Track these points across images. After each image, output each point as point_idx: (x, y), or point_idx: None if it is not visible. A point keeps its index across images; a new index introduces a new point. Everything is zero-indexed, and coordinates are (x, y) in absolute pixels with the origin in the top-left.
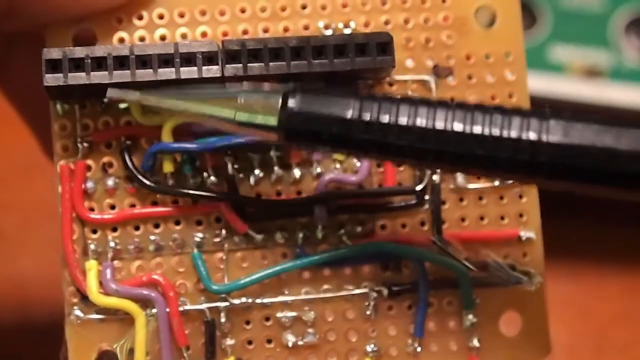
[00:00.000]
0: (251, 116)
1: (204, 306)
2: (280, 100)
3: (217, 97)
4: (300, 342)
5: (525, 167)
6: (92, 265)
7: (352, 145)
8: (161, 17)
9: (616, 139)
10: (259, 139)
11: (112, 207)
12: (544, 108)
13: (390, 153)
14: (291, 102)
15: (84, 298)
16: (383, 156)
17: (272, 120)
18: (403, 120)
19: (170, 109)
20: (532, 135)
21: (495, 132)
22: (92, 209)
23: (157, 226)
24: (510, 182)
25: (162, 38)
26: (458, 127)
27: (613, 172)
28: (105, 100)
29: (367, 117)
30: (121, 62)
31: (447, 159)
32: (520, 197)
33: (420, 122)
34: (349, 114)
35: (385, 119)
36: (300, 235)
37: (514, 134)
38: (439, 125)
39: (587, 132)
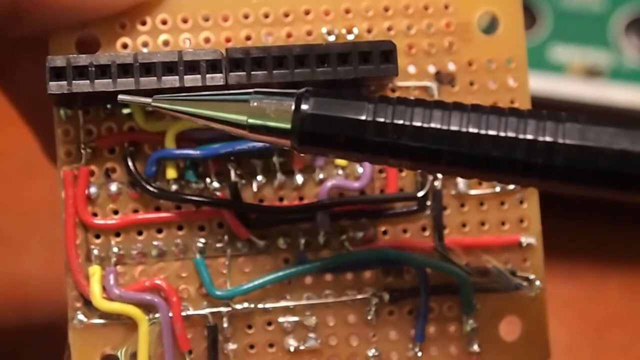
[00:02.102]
0: (264, 120)
1: (207, 311)
2: (293, 104)
3: (229, 101)
4: (302, 347)
5: (540, 170)
6: (95, 270)
7: (366, 149)
8: (164, 22)
9: (632, 142)
10: (269, 144)
11: (115, 212)
12: (559, 112)
13: (404, 156)
14: (305, 106)
15: (87, 303)
16: (397, 159)
17: (285, 124)
18: (417, 123)
19: (182, 113)
20: (548, 138)
21: (511, 134)
22: (95, 214)
23: (160, 231)
24: (512, 187)
25: (166, 43)
26: (473, 129)
27: (629, 175)
28: (109, 106)
29: (381, 119)
30: (125, 69)
31: (461, 161)
32: (521, 202)
33: (435, 124)
34: (364, 116)
35: (399, 121)
36: (303, 241)
37: (529, 136)
38: (454, 127)
39: (603, 134)
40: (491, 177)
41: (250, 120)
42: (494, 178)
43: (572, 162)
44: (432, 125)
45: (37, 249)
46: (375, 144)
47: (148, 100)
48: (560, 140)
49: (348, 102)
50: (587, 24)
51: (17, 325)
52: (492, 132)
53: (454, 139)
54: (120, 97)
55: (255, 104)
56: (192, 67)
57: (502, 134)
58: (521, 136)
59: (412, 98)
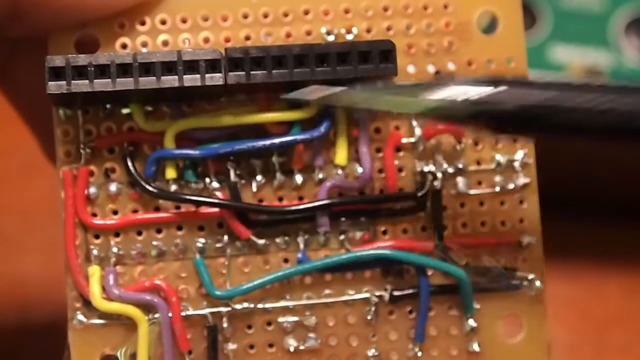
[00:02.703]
0: (448, 108)
1: (206, 311)
2: (480, 90)
3: (411, 89)
4: (301, 347)
5: None
6: (94, 271)
7: (553, 129)
8: (163, 22)
9: None
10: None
11: (115, 212)
12: None
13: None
14: (496, 92)
15: (87, 303)
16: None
17: (473, 111)
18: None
19: (364, 106)
20: None
21: None
22: (94, 215)
23: (159, 232)
24: (511, 187)
25: (165, 43)
26: None
27: None
28: (108, 106)
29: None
30: (124, 69)
31: None
32: (521, 202)
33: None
34: (550, 98)
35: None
36: (302, 240)
37: None
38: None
39: None
40: None
41: (433, 107)
42: None
43: None
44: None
45: (37, 249)
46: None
47: (335, 90)
48: None
49: (535, 85)
50: (587, 24)
51: (17, 325)
52: None
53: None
54: (292, 94)
55: (439, 92)
56: (192, 67)
57: None
58: None
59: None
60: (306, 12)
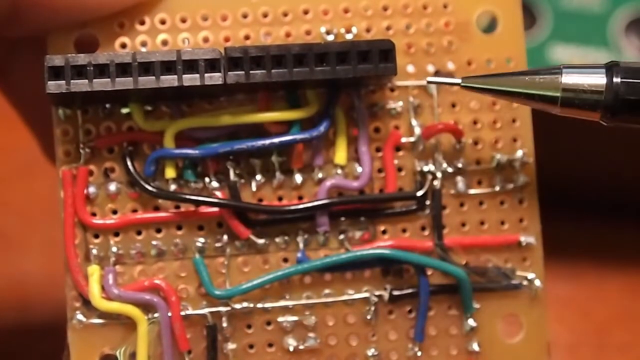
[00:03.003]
0: (575, 94)
1: (206, 311)
2: (604, 77)
3: (540, 77)
4: (301, 347)
5: None
6: (94, 270)
7: None
8: (163, 22)
9: None
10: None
11: (114, 212)
12: None
13: None
14: (617, 78)
15: (86, 303)
16: None
17: (598, 97)
18: None
19: (493, 93)
20: None
21: None
22: (94, 214)
23: (159, 231)
24: (511, 187)
25: (164, 43)
26: None
27: None
28: (108, 105)
29: None
30: (123, 69)
31: None
32: (521, 202)
33: None
34: None
35: None
36: (302, 240)
37: None
38: None
39: None
40: None
41: (564, 95)
42: None
43: None
44: None
45: (37, 248)
46: None
47: (458, 80)
48: None
49: None
50: (587, 24)
51: (17, 325)
52: None
53: None
54: (430, 79)
55: (566, 78)
56: (191, 66)
57: None
58: None
59: None
60: (306, 12)
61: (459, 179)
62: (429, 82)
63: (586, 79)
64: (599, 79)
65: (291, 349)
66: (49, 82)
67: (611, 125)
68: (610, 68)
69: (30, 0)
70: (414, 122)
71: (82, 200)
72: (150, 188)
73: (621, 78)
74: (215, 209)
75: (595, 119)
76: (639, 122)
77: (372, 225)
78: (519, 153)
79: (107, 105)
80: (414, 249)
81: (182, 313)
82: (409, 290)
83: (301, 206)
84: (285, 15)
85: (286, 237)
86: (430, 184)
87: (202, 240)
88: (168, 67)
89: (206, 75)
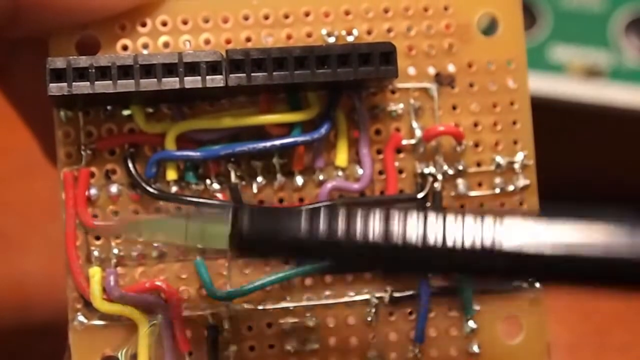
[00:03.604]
0: (203, 241)
1: (207, 312)
2: (229, 223)
3: (169, 224)
4: (302, 348)
5: None
6: (95, 272)
7: (307, 256)
8: (164, 24)
9: None
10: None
11: (116, 213)
12: None
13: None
14: (241, 224)
15: (88, 304)
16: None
17: (224, 244)
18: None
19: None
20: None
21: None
22: (95, 216)
23: None
24: (511, 189)
25: (166, 45)
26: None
27: None
28: (109, 107)
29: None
30: (125, 71)
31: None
32: (521, 204)
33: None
34: (301, 231)
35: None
36: None
37: None
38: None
39: None
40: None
41: (190, 242)
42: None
43: None
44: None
45: (38, 249)
46: (314, 254)
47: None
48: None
49: (283, 215)
50: (587, 24)
51: (17, 325)
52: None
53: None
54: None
55: (191, 227)
56: (192, 68)
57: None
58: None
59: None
60: (307, 14)
61: (460, 181)
62: None
63: (210, 228)
64: (220, 229)
65: (292, 350)
66: (51, 84)
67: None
68: (234, 215)
69: (32, 2)
70: (414, 124)
71: (83, 202)
72: (151, 190)
73: (242, 227)
74: None
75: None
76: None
77: None
78: (520, 155)
79: (109, 107)
80: None
81: (183, 314)
82: (410, 292)
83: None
84: (287, 17)
85: None
86: (431, 186)
87: None
88: (169, 69)
89: (208, 77)
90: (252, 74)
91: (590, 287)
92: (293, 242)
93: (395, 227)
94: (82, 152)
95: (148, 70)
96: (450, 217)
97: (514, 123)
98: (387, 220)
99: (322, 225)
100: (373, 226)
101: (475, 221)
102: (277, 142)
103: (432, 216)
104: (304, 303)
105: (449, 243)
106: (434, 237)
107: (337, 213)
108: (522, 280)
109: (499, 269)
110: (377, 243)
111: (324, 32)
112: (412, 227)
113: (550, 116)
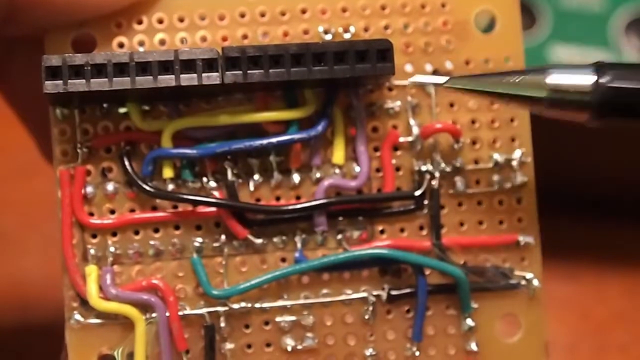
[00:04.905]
0: (562, 95)
1: (204, 310)
2: (592, 77)
3: (524, 76)
4: (299, 347)
5: None
6: (92, 270)
7: None
8: (160, 21)
9: None
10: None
11: (112, 212)
12: None
13: None
14: (603, 78)
15: (84, 303)
16: None
17: (584, 97)
18: None
19: (477, 93)
20: None
21: None
22: (91, 214)
23: (156, 231)
24: (509, 186)
25: (162, 42)
26: None
27: None
28: (105, 105)
29: None
30: (121, 68)
31: None
32: (519, 201)
33: None
34: None
35: None
36: (300, 240)
37: None
38: None
39: None
40: None
41: (549, 95)
42: None
43: None
44: None
45: (37, 248)
46: None
47: (442, 80)
48: None
49: None
50: (587, 24)
51: (16, 325)
52: None
53: None
54: (414, 78)
55: (552, 79)
56: (189, 66)
57: None
58: None
59: None
60: (303, 11)
61: (457, 178)
62: (411, 82)
63: (573, 79)
64: (586, 79)
65: (289, 348)
66: (47, 82)
67: (597, 127)
68: (598, 68)
69: (28, 0)
70: (412, 121)
71: (79, 200)
72: (147, 188)
73: (609, 78)
74: (213, 209)
75: (582, 121)
76: (627, 124)
77: (370, 225)
78: (517, 152)
79: (105, 105)
80: (412, 249)
81: (180, 313)
82: (407, 290)
83: (299, 206)
84: (283, 14)
85: (284, 237)
86: (428, 184)
87: (199, 240)
88: (165, 66)
89: (204, 75)
90: (249, 72)
91: None
92: None
93: None
94: (78, 150)
95: (144, 67)
96: None
97: (512, 120)
98: None
99: None
100: None
101: None
102: (274, 140)
103: None
104: (301, 301)
105: None
106: None
107: None
108: None
109: None
110: None
111: (320, 29)
112: None
113: None
